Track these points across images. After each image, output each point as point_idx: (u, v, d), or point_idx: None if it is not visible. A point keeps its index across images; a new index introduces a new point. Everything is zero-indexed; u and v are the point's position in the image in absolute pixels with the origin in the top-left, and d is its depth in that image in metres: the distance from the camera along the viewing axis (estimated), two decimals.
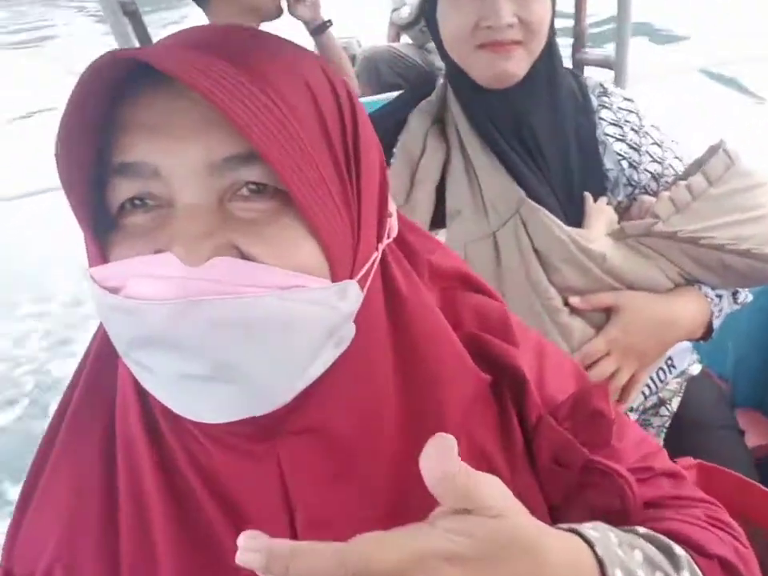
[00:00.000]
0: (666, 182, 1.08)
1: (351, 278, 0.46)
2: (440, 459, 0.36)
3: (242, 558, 0.34)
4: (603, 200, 1.06)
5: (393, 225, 0.53)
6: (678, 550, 0.51)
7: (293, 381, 0.44)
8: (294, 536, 0.47)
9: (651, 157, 1.08)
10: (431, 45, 3.30)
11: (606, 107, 1.09)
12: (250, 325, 0.41)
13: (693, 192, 0.96)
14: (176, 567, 0.48)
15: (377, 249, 0.50)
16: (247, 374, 0.42)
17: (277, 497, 0.47)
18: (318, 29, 2.25)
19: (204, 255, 0.40)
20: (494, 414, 0.56)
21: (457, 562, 0.36)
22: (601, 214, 1.04)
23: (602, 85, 1.11)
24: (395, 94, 2.69)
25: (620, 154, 1.07)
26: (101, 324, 0.52)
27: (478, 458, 0.53)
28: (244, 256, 0.42)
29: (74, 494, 0.50)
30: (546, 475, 0.56)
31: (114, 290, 0.43)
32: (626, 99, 1.11)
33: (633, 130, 1.08)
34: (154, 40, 1.63)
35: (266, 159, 0.41)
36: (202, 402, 0.43)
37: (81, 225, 0.44)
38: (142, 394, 0.49)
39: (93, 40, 8.31)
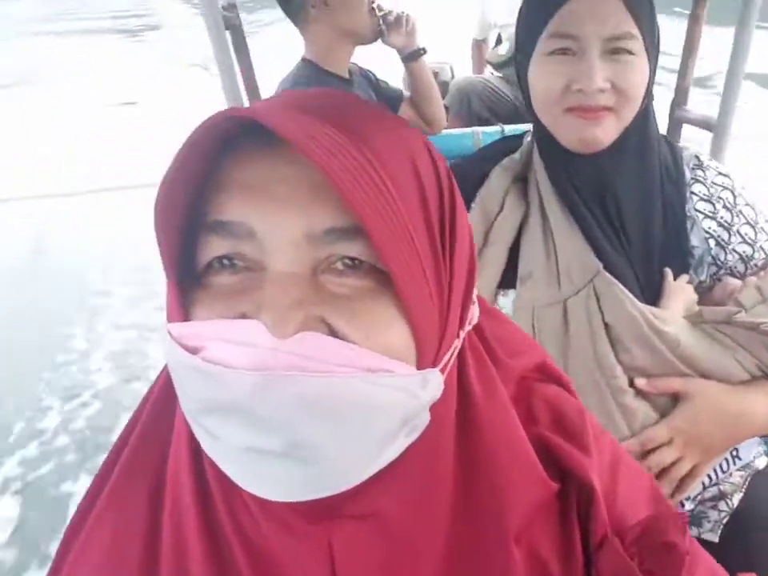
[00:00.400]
0: (756, 265, 1.03)
1: (434, 365, 0.44)
2: None
3: None
4: (684, 278, 1.01)
5: (474, 312, 0.52)
6: None
7: (365, 466, 0.43)
8: None
9: (742, 237, 1.03)
10: None
11: (700, 181, 1.04)
12: (332, 405, 0.39)
13: None
14: None
15: (458, 336, 0.48)
16: (322, 455, 0.40)
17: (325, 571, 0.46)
18: (411, 56, 2.25)
19: (293, 327, 0.39)
20: (557, 523, 0.53)
21: None
22: (680, 293, 0.99)
23: (697, 157, 1.06)
24: (485, 129, 2.69)
25: (708, 232, 1.02)
26: (164, 368, 0.52)
27: (535, 567, 0.51)
28: (332, 331, 0.41)
29: (116, 546, 0.49)
30: None
31: (193, 350, 0.42)
32: (721, 174, 1.06)
33: (725, 207, 1.03)
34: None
35: (373, 238, 0.39)
36: (269, 478, 0.41)
37: (167, 277, 0.44)
38: (196, 454, 0.48)
39: (194, 33, 8.61)
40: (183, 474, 0.49)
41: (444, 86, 3.34)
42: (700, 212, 1.03)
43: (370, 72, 2.27)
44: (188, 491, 0.48)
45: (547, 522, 0.52)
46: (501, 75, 3.27)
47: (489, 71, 3.41)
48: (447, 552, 0.48)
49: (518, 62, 1.05)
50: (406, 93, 2.38)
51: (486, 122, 3.06)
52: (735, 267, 1.04)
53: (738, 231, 1.03)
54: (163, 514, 0.49)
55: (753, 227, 1.04)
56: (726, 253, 1.03)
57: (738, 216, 1.03)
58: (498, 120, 3.00)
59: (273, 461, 0.40)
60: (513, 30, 3.22)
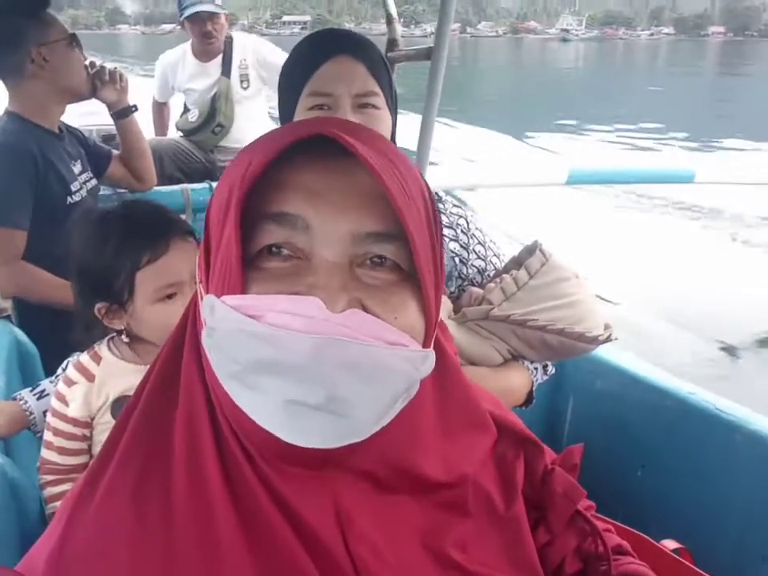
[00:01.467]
0: (489, 275, 1.31)
1: (428, 345, 0.56)
2: None
3: None
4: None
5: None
6: None
7: (377, 421, 0.53)
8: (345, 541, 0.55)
9: (477, 255, 1.30)
10: (220, 146, 3.41)
11: (442, 212, 1.30)
12: (365, 368, 0.49)
13: (518, 283, 1.18)
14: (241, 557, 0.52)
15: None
16: (351, 408, 0.50)
17: (331, 510, 0.55)
18: (123, 112, 2.25)
19: (341, 305, 0.50)
20: (495, 466, 0.69)
21: None
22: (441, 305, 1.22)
23: (436, 193, 1.32)
24: (193, 186, 2.75)
25: (453, 252, 1.28)
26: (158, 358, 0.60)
27: (480, 496, 0.65)
28: (367, 311, 0.51)
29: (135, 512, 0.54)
30: (556, 508, 0.70)
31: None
32: (455, 206, 1.33)
33: (462, 231, 1.30)
34: None
35: (412, 242, 0.52)
36: (306, 428, 0.50)
37: (230, 262, 0.51)
38: (212, 413, 0.56)
39: None
40: (201, 428, 0.55)
41: None
42: (445, 236, 1.28)
43: (78, 130, 2.21)
44: (208, 444, 0.55)
45: (488, 465, 0.68)
46: (190, 140, 3.37)
47: (178, 135, 3.47)
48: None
49: (282, 119, 1.21)
50: (115, 152, 2.36)
51: (178, 181, 3.13)
52: (474, 279, 1.31)
53: (474, 250, 1.30)
54: (173, 476, 0.55)
55: (483, 246, 1.32)
56: (466, 268, 1.29)
57: (471, 238, 1.31)
58: (190, 181, 3.08)
59: (311, 413, 0.49)
60: (196, 95, 3.38)
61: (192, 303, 0.61)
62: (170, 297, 1.14)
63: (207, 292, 0.54)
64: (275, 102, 1.29)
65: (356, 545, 0.54)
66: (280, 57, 3.41)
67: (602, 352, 1.69)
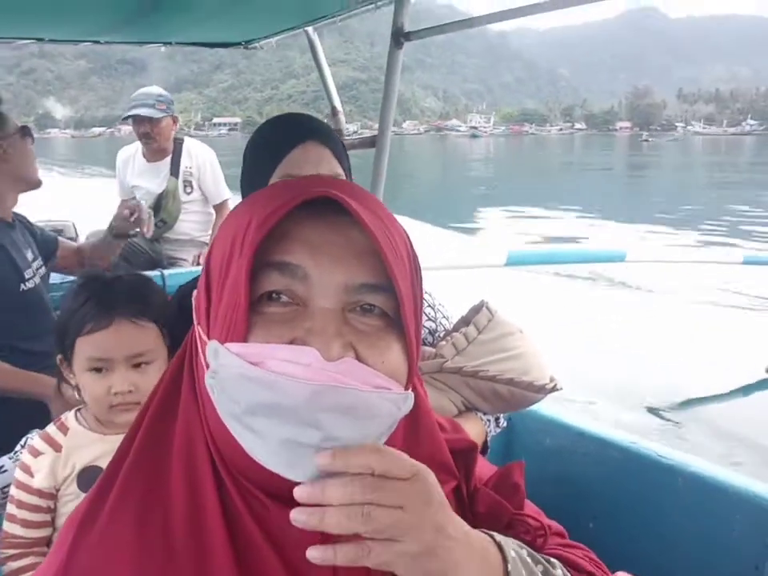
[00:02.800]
0: (439, 336, 1.40)
1: (410, 385, 0.62)
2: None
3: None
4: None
5: None
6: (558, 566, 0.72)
7: None
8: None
9: (427, 316, 1.40)
10: (164, 236, 3.51)
11: None
12: (357, 410, 0.55)
13: (468, 339, 1.27)
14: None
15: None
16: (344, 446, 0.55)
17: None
18: (124, 236, 2.45)
19: (336, 352, 0.56)
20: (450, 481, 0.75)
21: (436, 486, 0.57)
22: None
23: None
24: (170, 271, 2.80)
25: None
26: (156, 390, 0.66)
27: None
28: (358, 355, 0.58)
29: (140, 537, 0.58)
30: (485, 522, 0.74)
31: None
32: None
33: None
34: None
35: (399, 294, 0.59)
36: (302, 465, 0.54)
37: (236, 306, 0.57)
38: (211, 454, 0.61)
39: None
40: (200, 463, 0.60)
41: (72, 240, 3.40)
42: None
43: (25, 218, 2.27)
44: (207, 477, 0.60)
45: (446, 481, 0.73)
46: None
47: None
48: None
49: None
50: (61, 238, 2.42)
51: (126, 270, 3.19)
52: (426, 339, 1.39)
53: (424, 312, 1.40)
54: (172, 509, 0.59)
55: (433, 309, 1.42)
56: None
57: (422, 302, 1.40)
58: (135, 270, 3.15)
59: (307, 451, 0.54)
60: (143, 191, 3.52)
61: (189, 340, 0.66)
62: (98, 370, 1.18)
63: (208, 334, 0.60)
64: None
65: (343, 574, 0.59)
66: (218, 178, 3.71)
67: (549, 411, 1.78)
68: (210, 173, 3.68)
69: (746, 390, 5.07)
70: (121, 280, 1.27)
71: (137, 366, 1.18)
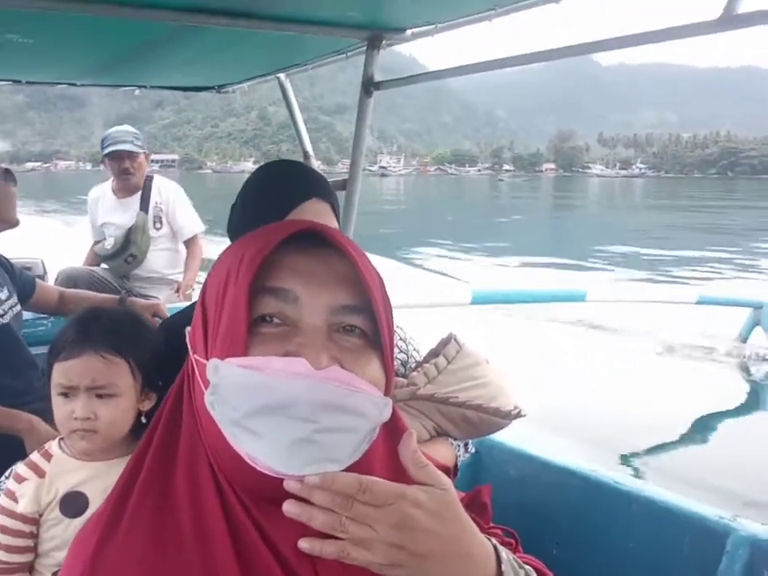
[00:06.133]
0: (410, 367, 1.47)
1: (386, 395, 0.71)
2: (411, 454, 0.66)
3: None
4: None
5: None
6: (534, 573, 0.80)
7: (353, 454, 0.65)
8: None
9: (399, 348, 1.48)
10: (134, 273, 3.54)
11: None
12: (344, 407, 0.63)
13: (438, 368, 1.36)
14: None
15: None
16: (334, 440, 0.63)
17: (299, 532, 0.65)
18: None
19: (324, 363, 0.64)
20: None
21: (420, 507, 0.64)
22: None
23: None
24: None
25: None
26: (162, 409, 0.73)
27: None
28: (343, 368, 0.65)
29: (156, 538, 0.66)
30: None
31: None
32: None
33: None
34: None
35: (378, 313, 0.69)
36: (299, 458, 0.62)
37: (237, 326, 0.65)
38: (211, 466, 0.68)
39: None
40: (202, 469, 0.68)
41: (41, 278, 3.41)
42: None
43: (3, 257, 2.29)
44: (208, 483, 0.68)
45: None
46: (107, 267, 3.49)
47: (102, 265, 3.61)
48: None
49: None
50: (40, 281, 2.45)
51: None
52: (398, 370, 1.47)
53: (396, 345, 1.48)
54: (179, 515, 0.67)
55: (404, 341, 1.50)
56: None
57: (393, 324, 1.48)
58: None
59: (301, 445, 0.62)
60: (112, 228, 3.58)
61: (186, 370, 0.75)
62: (65, 395, 1.23)
63: (207, 356, 0.67)
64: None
65: (322, 569, 0.67)
66: (188, 212, 3.81)
67: (513, 442, 1.87)
68: (179, 208, 3.77)
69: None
70: (107, 314, 1.32)
71: (100, 396, 1.23)
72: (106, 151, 3.57)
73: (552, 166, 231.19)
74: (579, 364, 6.40)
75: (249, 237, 0.74)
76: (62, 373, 1.23)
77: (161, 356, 1.25)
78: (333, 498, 0.61)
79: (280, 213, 1.28)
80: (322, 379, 0.62)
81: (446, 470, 0.83)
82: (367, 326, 0.70)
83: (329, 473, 0.62)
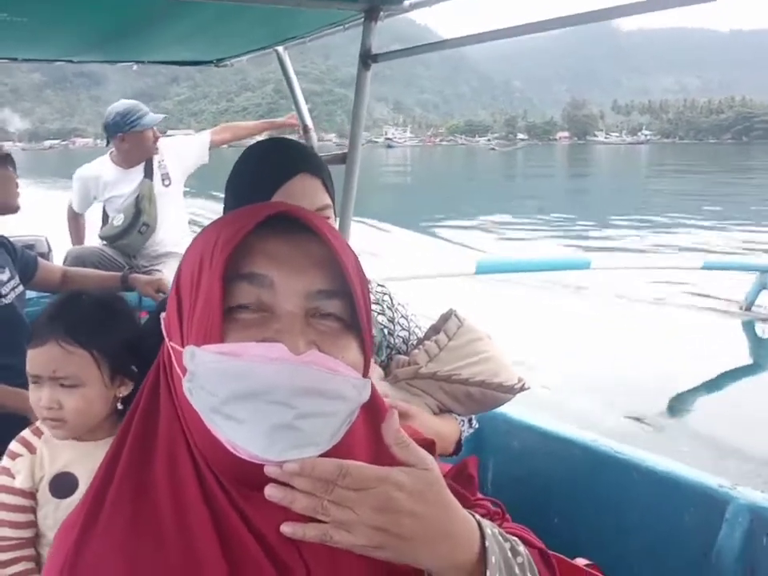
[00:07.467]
0: (412, 344, 1.49)
1: (365, 376, 0.71)
2: (394, 434, 0.65)
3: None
4: (371, 360, 1.41)
5: None
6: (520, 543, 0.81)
7: (332, 437, 0.66)
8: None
9: (401, 326, 1.49)
10: (144, 252, 3.52)
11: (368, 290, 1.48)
12: (323, 391, 0.63)
13: (440, 345, 1.37)
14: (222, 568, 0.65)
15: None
16: (313, 424, 0.63)
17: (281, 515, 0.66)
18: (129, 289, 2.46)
19: (301, 349, 0.64)
20: None
21: (402, 489, 0.64)
22: (373, 370, 1.39)
23: None
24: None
25: (381, 324, 1.46)
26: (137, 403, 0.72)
27: None
28: (320, 351, 0.65)
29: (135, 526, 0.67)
30: None
31: None
32: (379, 285, 1.52)
33: (388, 307, 1.49)
34: None
35: (356, 297, 0.69)
36: (280, 443, 0.62)
37: (211, 313, 0.65)
38: (191, 453, 0.68)
39: None
40: (181, 461, 0.69)
41: (42, 257, 3.39)
42: (373, 311, 1.46)
43: (5, 238, 2.30)
44: (188, 474, 0.68)
45: None
46: (114, 246, 3.47)
47: (101, 244, 3.57)
48: None
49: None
50: (42, 260, 2.46)
51: None
52: (400, 348, 1.49)
53: (398, 322, 1.49)
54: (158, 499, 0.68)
55: (406, 319, 1.51)
56: (393, 338, 1.48)
57: (396, 312, 1.50)
58: None
59: (281, 431, 0.62)
60: (120, 200, 3.52)
61: (161, 356, 0.75)
62: (35, 383, 1.26)
63: (183, 343, 0.67)
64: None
65: (307, 553, 0.68)
66: (187, 142, 3.85)
67: (516, 414, 1.89)
68: (179, 145, 3.80)
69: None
70: (77, 302, 1.32)
71: (63, 386, 1.24)
72: (139, 126, 3.46)
73: (566, 134, 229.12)
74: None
75: (223, 220, 0.74)
76: (29, 360, 1.26)
77: (145, 338, 1.24)
78: (313, 483, 0.61)
79: (267, 191, 1.26)
80: (301, 364, 0.62)
81: (430, 445, 0.83)
82: (344, 309, 0.70)
83: (308, 459, 0.62)
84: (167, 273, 3.37)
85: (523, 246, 13.30)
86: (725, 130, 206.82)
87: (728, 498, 1.43)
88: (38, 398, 1.25)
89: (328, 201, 1.31)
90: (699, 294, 7.91)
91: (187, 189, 3.98)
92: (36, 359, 1.25)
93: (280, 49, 2.92)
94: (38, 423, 1.32)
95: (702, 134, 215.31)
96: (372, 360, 1.38)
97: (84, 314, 1.28)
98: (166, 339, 0.72)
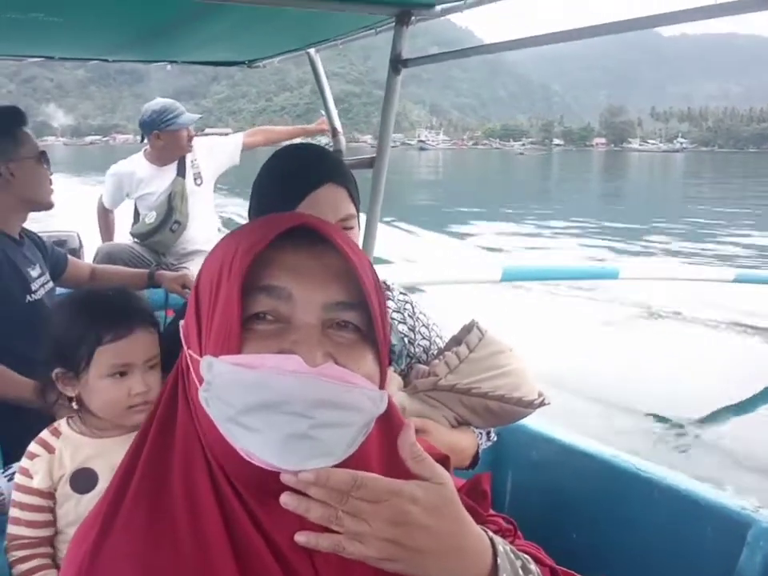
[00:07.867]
0: (433, 353, 1.48)
1: (381, 388, 0.71)
2: (410, 448, 0.66)
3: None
4: (390, 369, 1.41)
5: None
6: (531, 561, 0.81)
7: (349, 447, 0.66)
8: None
9: (422, 335, 1.49)
10: (174, 250, 3.57)
11: (390, 299, 1.48)
12: (339, 403, 0.64)
13: (460, 357, 1.36)
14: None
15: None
16: (330, 435, 0.63)
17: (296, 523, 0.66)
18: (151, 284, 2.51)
19: (318, 360, 0.65)
20: None
21: (417, 503, 0.64)
22: (392, 379, 1.39)
23: (384, 282, 1.51)
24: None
25: (402, 333, 1.46)
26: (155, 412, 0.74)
27: None
28: (337, 364, 0.66)
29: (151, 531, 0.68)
30: None
31: None
32: (401, 293, 1.52)
33: (409, 315, 1.49)
34: None
35: (372, 309, 0.70)
36: (297, 453, 0.63)
37: (229, 323, 0.66)
38: (207, 462, 0.69)
39: None
40: (197, 469, 0.70)
41: (73, 252, 3.45)
42: (394, 320, 1.46)
43: (36, 235, 2.34)
44: (204, 482, 0.69)
45: None
46: (144, 244, 3.52)
47: (131, 241, 3.62)
48: None
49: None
50: (72, 258, 2.50)
51: None
52: (420, 357, 1.48)
53: (419, 331, 1.49)
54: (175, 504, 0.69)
55: (427, 328, 1.51)
56: (413, 347, 1.47)
57: (417, 321, 1.49)
58: None
59: (298, 441, 0.63)
60: (152, 198, 3.56)
61: (180, 364, 0.75)
62: (121, 374, 1.30)
63: (200, 353, 0.68)
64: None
65: (319, 563, 0.69)
66: (220, 143, 3.91)
67: (536, 425, 1.87)
68: (214, 146, 3.86)
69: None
70: (118, 294, 1.40)
71: (151, 367, 1.32)
72: (174, 125, 3.51)
73: (603, 140, 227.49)
74: None
75: (243, 229, 0.75)
76: (114, 354, 1.29)
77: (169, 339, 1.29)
78: (328, 492, 0.62)
79: (293, 200, 1.26)
80: (317, 376, 0.63)
81: (445, 460, 0.83)
82: (361, 320, 0.71)
83: (323, 469, 0.62)
84: (194, 270, 3.40)
85: (547, 255, 13.32)
86: (766, 139, 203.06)
87: (750, 520, 1.40)
88: (125, 388, 1.29)
89: (352, 210, 1.31)
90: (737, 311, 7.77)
91: (226, 187, 4.05)
92: (126, 348, 1.29)
93: (311, 51, 2.93)
94: (56, 424, 1.35)
95: (741, 142, 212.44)
96: (391, 369, 1.39)
97: (139, 303, 1.39)
98: (185, 346, 0.73)
